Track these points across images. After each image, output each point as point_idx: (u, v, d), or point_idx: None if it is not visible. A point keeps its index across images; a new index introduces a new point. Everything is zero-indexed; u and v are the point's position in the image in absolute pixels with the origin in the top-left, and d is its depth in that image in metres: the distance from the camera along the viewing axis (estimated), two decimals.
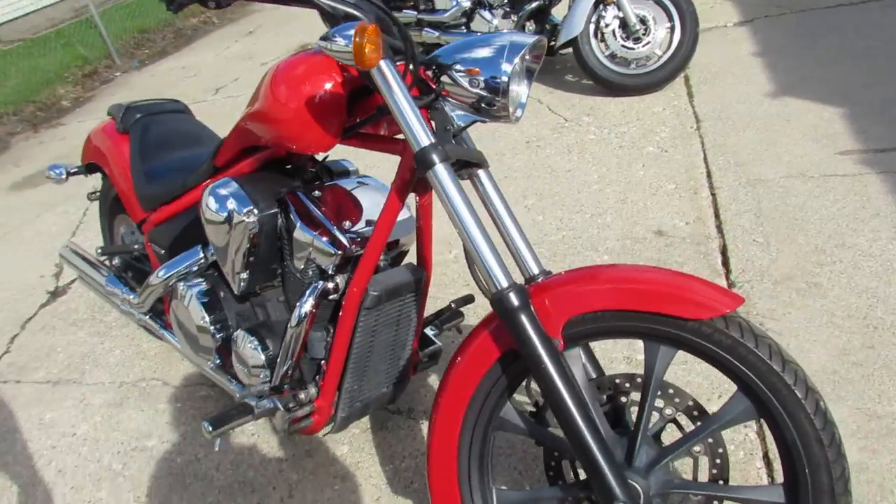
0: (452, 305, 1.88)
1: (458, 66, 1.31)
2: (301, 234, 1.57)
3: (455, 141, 1.38)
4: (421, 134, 1.23)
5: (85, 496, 2.01)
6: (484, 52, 1.30)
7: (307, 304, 1.55)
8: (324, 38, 1.22)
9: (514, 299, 1.19)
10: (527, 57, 1.37)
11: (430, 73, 1.36)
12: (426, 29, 4.54)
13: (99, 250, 2.21)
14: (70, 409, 2.38)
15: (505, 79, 1.26)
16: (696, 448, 1.28)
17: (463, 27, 4.44)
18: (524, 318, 1.18)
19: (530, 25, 4.18)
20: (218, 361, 1.89)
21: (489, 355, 1.29)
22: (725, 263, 2.37)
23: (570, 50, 3.94)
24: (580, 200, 2.90)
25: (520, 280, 1.34)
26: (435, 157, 1.22)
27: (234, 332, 1.78)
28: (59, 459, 2.16)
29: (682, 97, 3.69)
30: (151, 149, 2.14)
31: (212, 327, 1.84)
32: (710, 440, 1.28)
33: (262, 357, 1.71)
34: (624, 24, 3.79)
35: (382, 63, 1.23)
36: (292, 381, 1.68)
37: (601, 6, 3.82)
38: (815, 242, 2.35)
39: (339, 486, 1.85)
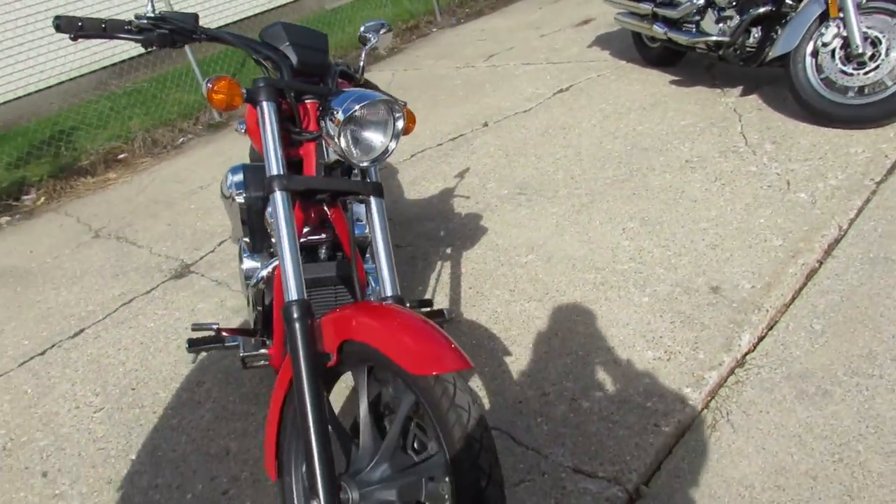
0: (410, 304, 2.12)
1: (332, 114, 1.55)
2: (269, 217, 1.97)
3: (336, 174, 1.64)
4: (273, 165, 1.52)
5: (172, 366, 2.74)
6: (347, 105, 1.52)
7: (264, 271, 1.96)
8: (208, 80, 1.55)
9: (294, 311, 1.45)
10: (392, 115, 1.55)
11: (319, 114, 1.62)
12: (657, 23, 4.40)
13: None
14: (212, 305, 3.16)
15: (333, 132, 1.49)
16: (442, 482, 1.41)
17: (693, 26, 4.20)
18: (296, 328, 1.44)
19: (756, 32, 3.81)
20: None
21: None
22: (761, 339, 2.15)
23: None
24: (675, 235, 2.76)
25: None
26: (275, 185, 1.51)
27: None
28: (183, 337, 2.93)
29: (894, 141, 3.11)
30: None
31: (247, 272, 2.35)
32: (451, 479, 1.40)
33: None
34: (847, 44, 3.27)
35: (264, 104, 1.55)
36: (264, 328, 2.12)
37: (826, 22, 3.33)
38: (874, 347, 2.00)
39: None
